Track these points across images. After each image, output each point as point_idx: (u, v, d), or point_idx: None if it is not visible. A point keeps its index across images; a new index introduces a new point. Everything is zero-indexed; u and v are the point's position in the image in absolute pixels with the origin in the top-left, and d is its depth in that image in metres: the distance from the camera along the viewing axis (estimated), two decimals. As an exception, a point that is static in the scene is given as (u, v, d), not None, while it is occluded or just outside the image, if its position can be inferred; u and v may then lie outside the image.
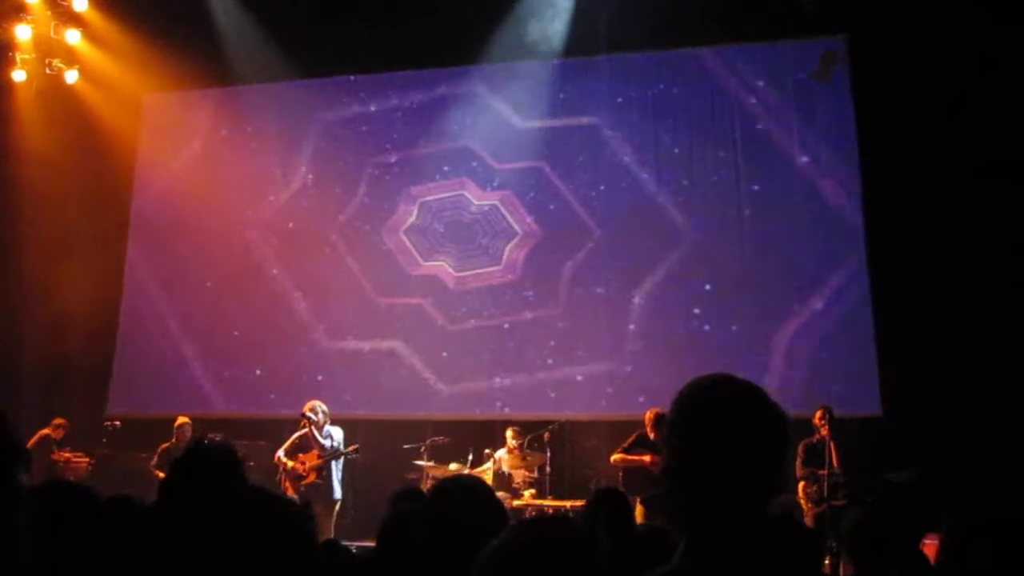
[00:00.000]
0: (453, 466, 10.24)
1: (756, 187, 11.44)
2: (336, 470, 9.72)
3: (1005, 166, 9.70)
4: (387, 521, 2.82)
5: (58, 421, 11.11)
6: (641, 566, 2.17)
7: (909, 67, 10.31)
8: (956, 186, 9.95)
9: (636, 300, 11.51)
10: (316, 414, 9.71)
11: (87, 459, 11.12)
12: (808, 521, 8.73)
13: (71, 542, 2.42)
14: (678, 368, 10.96)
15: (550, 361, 11.66)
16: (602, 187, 11.93)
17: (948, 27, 10.04)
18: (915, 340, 9.98)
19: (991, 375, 9.42)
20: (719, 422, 1.67)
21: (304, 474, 9.60)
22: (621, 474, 9.43)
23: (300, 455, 9.69)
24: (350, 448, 9.84)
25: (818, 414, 9.04)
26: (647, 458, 9.11)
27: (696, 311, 11.33)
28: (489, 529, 1.90)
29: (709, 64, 11.85)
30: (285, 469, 9.67)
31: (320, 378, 12.21)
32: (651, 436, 9.22)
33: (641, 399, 10.80)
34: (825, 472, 8.79)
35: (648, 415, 9.36)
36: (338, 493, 9.68)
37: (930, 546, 5.51)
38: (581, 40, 11.82)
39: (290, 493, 9.55)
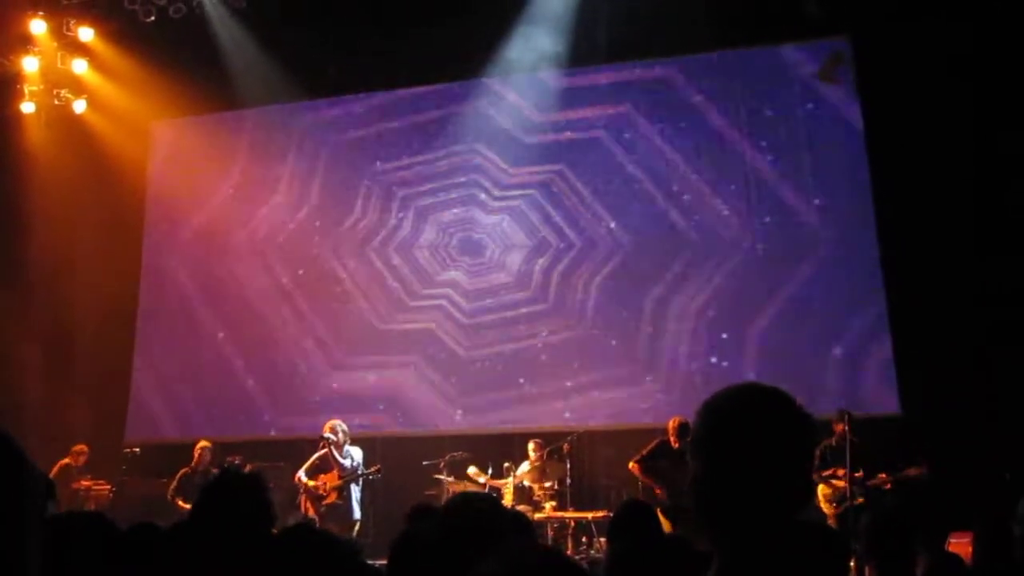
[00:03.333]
0: (472, 470, 10.28)
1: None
2: (355, 490, 9.73)
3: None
4: (397, 540, 2.83)
5: (78, 448, 11.11)
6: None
7: (912, 65, 10.33)
8: (970, 177, 9.92)
9: (649, 308, 11.49)
10: (336, 434, 9.73)
11: (108, 486, 11.12)
12: (830, 523, 8.70)
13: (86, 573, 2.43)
14: (694, 377, 10.99)
15: (567, 374, 11.64)
16: (611, 197, 11.93)
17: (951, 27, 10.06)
18: (933, 338, 9.95)
19: (1009, 371, 9.37)
20: (747, 430, 1.66)
21: (324, 494, 9.61)
22: (641, 486, 9.44)
23: (320, 476, 9.70)
24: (372, 469, 9.85)
25: (836, 416, 9.01)
26: (658, 490, 9.15)
27: (710, 313, 11.30)
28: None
29: (710, 69, 11.87)
30: (306, 490, 9.69)
31: (335, 399, 12.22)
32: (674, 444, 9.20)
33: (644, 406, 10.96)
34: (845, 474, 8.76)
35: (672, 423, 9.35)
36: (357, 514, 9.69)
37: (956, 545, 5.50)
38: (583, 51, 11.86)
39: (310, 514, 9.57)
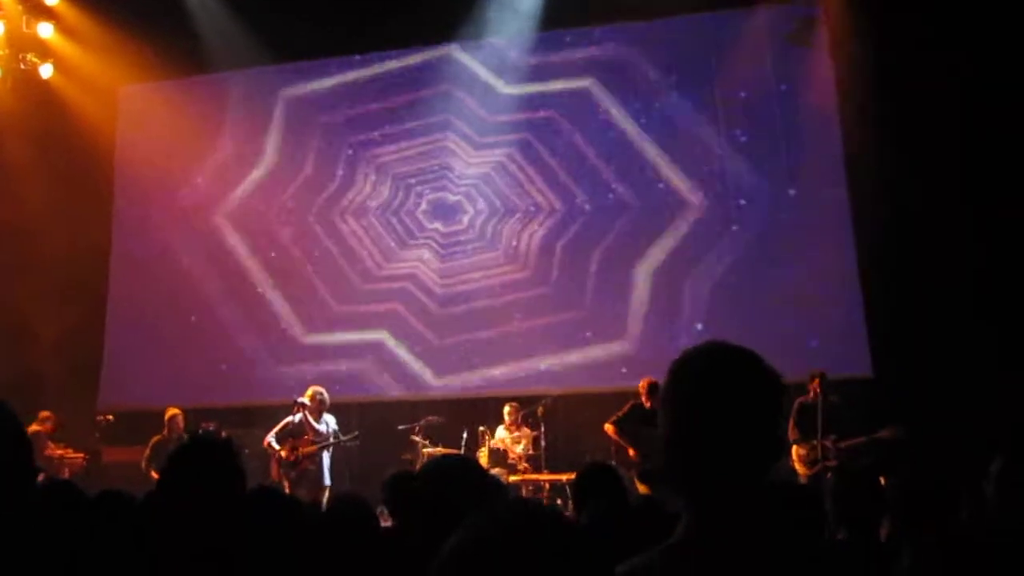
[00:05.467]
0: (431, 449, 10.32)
1: (744, 138, 11.44)
2: (326, 457, 9.74)
3: (997, 118, 9.71)
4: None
5: (44, 415, 10.87)
6: (635, 539, 2.17)
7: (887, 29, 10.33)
8: (943, 138, 9.92)
9: (633, 276, 11.50)
10: (313, 401, 9.72)
11: (82, 455, 11.05)
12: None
13: (63, 540, 2.41)
14: (669, 341, 11.01)
15: (542, 338, 11.65)
16: (593, 154, 11.89)
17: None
18: (905, 299, 10.01)
19: (983, 335, 9.43)
20: (715, 389, 1.66)
21: (296, 460, 9.60)
22: (613, 447, 9.51)
23: (290, 440, 9.68)
24: (350, 436, 9.86)
25: (810, 378, 9.07)
26: (631, 452, 9.24)
27: (687, 279, 11.33)
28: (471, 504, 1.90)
29: (683, 31, 11.82)
30: (277, 456, 9.67)
31: (310, 361, 12.20)
32: (647, 404, 9.27)
33: (624, 370, 11.01)
34: (818, 436, 8.84)
35: (642, 384, 9.43)
36: (328, 480, 9.70)
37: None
38: (556, 12, 11.79)
39: (280, 480, 9.58)
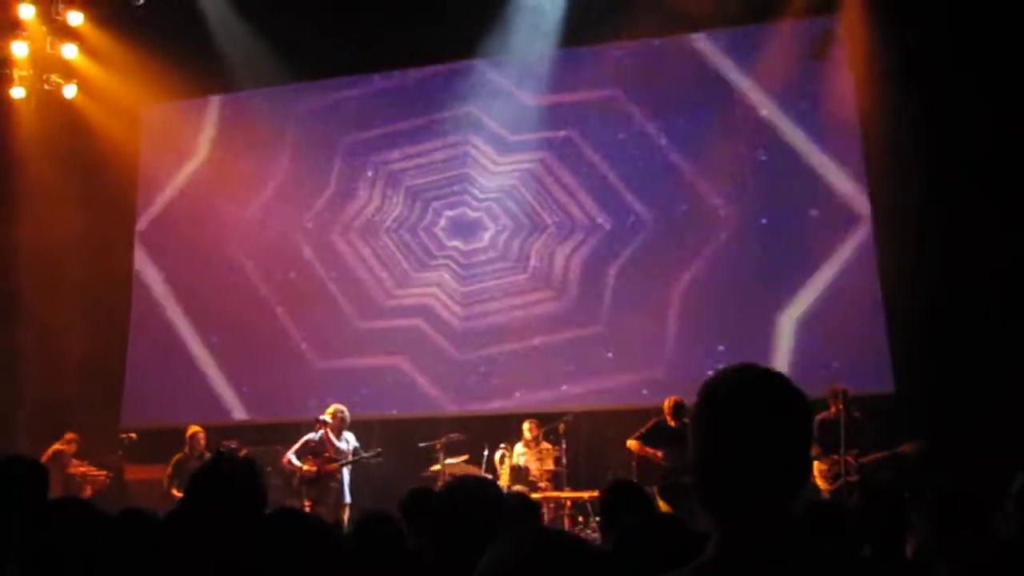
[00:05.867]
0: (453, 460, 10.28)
1: (763, 158, 11.41)
2: (346, 473, 9.75)
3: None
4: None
5: (69, 436, 10.98)
6: (663, 558, 2.16)
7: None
8: (964, 151, 9.86)
9: (656, 295, 11.47)
10: (335, 418, 9.75)
11: (105, 472, 11.08)
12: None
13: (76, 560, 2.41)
14: (691, 362, 10.94)
15: (564, 355, 11.63)
16: (615, 171, 11.87)
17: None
18: (927, 314, 9.92)
19: (1007, 350, 9.34)
20: (747, 412, 1.66)
21: (317, 478, 9.62)
22: (634, 464, 9.48)
23: (311, 458, 9.69)
24: (372, 452, 9.87)
25: (831, 393, 9.03)
26: (659, 454, 9.17)
27: (710, 297, 11.29)
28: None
29: (698, 48, 11.81)
30: (299, 473, 9.69)
31: (331, 380, 12.20)
32: (671, 423, 9.24)
33: (645, 391, 11.01)
34: (840, 451, 8.78)
35: (667, 403, 9.41)
36: (348, 497, 9.72)
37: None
38: (579, 28, 11.79)
39: (301, 497, 9.60)
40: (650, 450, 9.33)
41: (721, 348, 10.97)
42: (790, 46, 11.30)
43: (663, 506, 8.76)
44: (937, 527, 3.50)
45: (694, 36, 11.79)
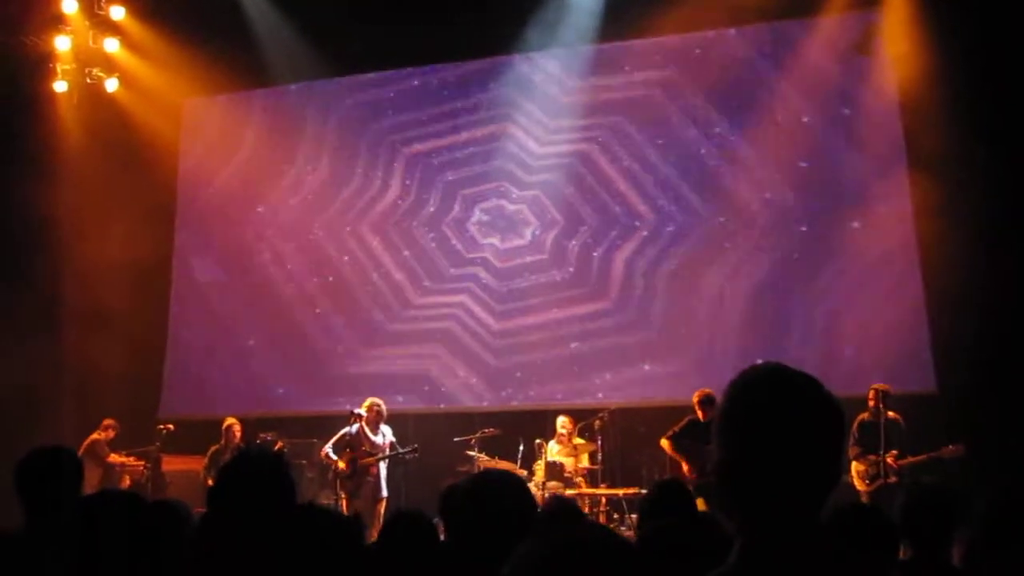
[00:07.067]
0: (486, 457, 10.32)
1: (803, 164, 11.28)
2: (383, 468, 9.76)
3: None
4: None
5: (107, 422, 11.08)
6: (691, 557, 2.12)
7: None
8: (1012, 153, 9.71)
9: (692, 296, 11.41)
10: (371, 412, 9.76)
11: (143, 462, 11.17)
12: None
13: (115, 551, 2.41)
14: (727, 363, 10.85)
15: (599, 351, 11.59)
16: (652, 175, 11.80)
17: None
18: (969, 315, 9.78)
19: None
20: (775, 416, 1.60)
21: (354, 472, 9.63)
22: (668, 462, 9.43)
23: (348, 451, 9.71)
24: (409, 448, 9.86)
25: (871, 394, 8.92)
26: (685, 467, 9.14)
27: (746, 294, 11.20)
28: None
29: (739, 44, 11.71)
30: (335, 468, 9.72)
31: (368, 375, 12.24)
32: (701, 417, 9.16)
33: (680, 389, 10.80)
34: (880, 452, 8.67)
35: (696, 397, 9.30)
36: (385, 491, 9.72)
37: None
38: (611, 26, 11.74)
39: (338, 490, 9.61)
40: (679, 457, 9.26)
41: (757, 348, 10.86)
42: (833, 44, 11.16)
43: (700, 504, 8.68)
44: (988, 535, 3.39)
45: (734, 31, 11.66)
